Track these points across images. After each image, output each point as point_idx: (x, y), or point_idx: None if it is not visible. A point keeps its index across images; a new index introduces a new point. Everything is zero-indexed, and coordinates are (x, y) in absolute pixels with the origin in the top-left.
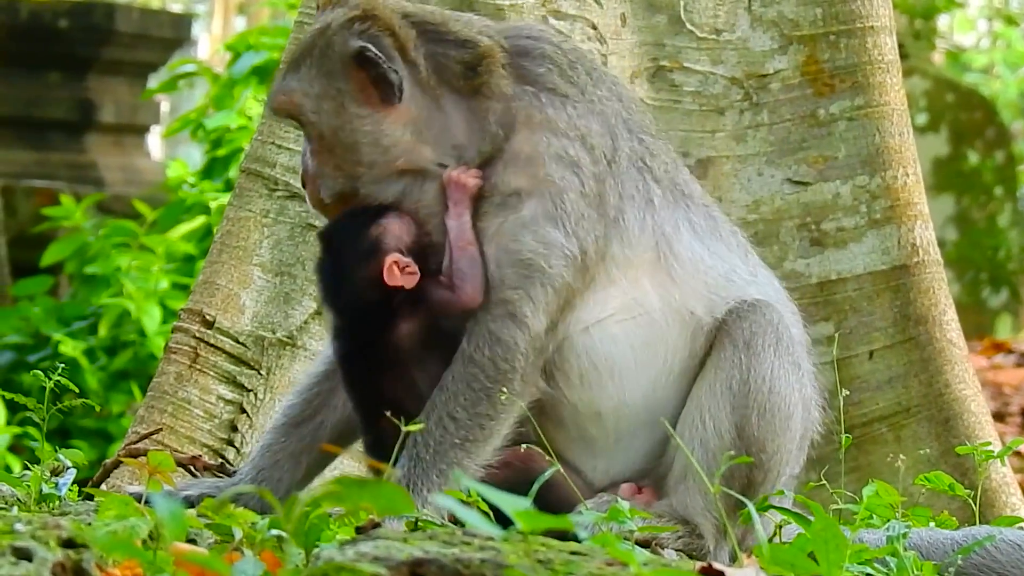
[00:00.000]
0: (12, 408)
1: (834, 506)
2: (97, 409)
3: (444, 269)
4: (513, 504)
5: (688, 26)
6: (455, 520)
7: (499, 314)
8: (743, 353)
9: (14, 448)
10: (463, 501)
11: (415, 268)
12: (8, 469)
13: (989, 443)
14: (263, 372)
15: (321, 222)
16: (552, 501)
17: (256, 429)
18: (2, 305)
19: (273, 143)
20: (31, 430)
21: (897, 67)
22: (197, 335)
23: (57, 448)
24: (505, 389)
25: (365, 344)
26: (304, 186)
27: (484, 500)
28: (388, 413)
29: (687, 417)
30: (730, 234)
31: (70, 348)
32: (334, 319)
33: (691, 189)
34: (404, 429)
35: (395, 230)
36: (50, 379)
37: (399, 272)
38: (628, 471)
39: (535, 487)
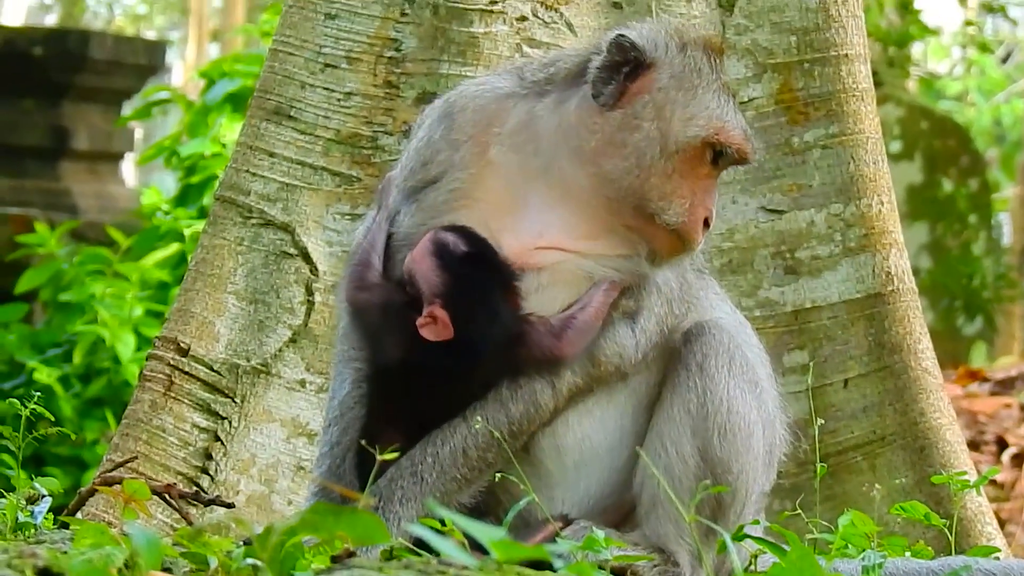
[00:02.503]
0: None
1: (809, 535)
2: (72, 437)
3: (557, 318)
4: (488, 534)
5: None
6: (430, 549)
7: (550, 381)
8: (697, 376)
9: None
10: (438, 530)
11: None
12: None
13: (965, 472)
14: (237, 400)
15: (294, 249)
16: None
17: (230, 457)
18: None
19: (248, 171)
20: (5, 457)
21: (871, 95)
22: (172, 363)
23: (32, 476)
24: (515, 444)
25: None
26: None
27: (460, 529)
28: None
29: (649, 445)
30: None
31: (44, 375)
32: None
33: None
34: (380, 457)
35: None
36: (25, 407)
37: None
38: (587, 501)
39: (509, 516)
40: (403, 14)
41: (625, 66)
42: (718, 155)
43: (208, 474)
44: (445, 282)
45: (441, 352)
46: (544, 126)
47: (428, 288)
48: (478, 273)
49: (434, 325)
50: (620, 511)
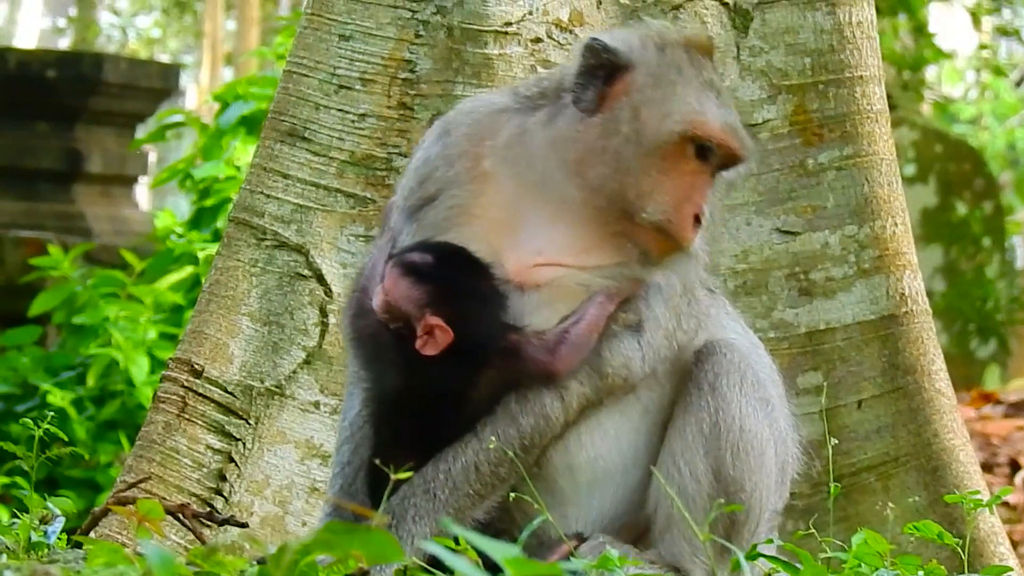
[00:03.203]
0: (0, 458)
1: (823, 555)
2: (86, 458)
3: (552, 332)
4: (503, 551)
5: None
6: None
7: (558, 394)
8: (709, 396)
9: (1, 498)
10: (452, 548)
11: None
12: None
13: (978, 492)
14: (251, 422)
15: (308, 270)
16: None
17: (244, 478)
18: None
19: (262, 192)
20: (19, 479)
21: (886, 117)
22: (185, 384)
23: (46, 497)
24: (527, 459)
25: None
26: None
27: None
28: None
29: (662, 465)
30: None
31: (58, 398)
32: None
33: None
34: (394, 476)
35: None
36: (39, 428)
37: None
38: (601, 520)
39: (523, 534)
40: (417, 35)
41: (600, 70)
42: (703, 151)
43: (222, 495)
44: (427, 291)
45: (442, 369)
46: (535, 140)
47: (413, 305)
48: (455, 272)
49: (432, 337)
50: (635, 530)
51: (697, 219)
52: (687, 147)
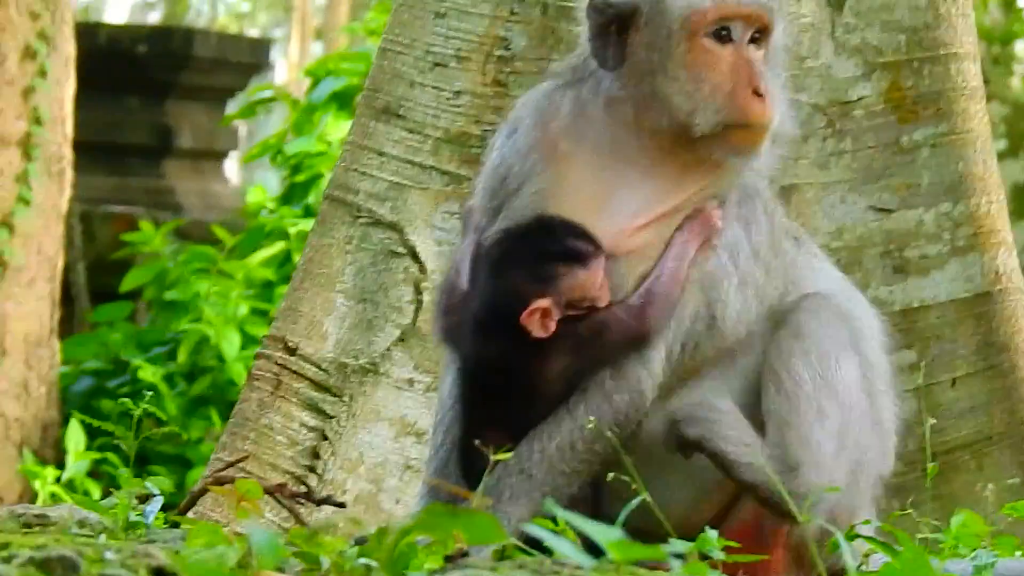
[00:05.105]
0: (91, 434)
1: (920, 535)
2: (183, 436)
3: (635, 296)
4: (605, 533)
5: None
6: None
7: (649, 363)
8: (804, 353)
9: (92, 473)
10: (552, 529)
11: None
12: (87, 495)
13: None
14: (345, 399)
15: (402, 248)
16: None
17: (338, 456)
18: (81, 331)
19: (356, 170)
20: (110, 455)
21: (981, 94)
22: (280, 362)
23: (143, 475)
24: (623, 433)
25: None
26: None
27: (575, 529)
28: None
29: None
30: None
31: (149, 374)
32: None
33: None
34: (494, 457)
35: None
36: (137, 406)
37: (539, 320)
38: (699, 484)
39: (622, 515)
40: (512, 13)
41: (610, 26)
42: (720, 35)
43: (316, 473)
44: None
45: (532, 353)
46: (594, 110)
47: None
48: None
49: (545, 318)
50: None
51: (757, 93)
52: (704, 41)
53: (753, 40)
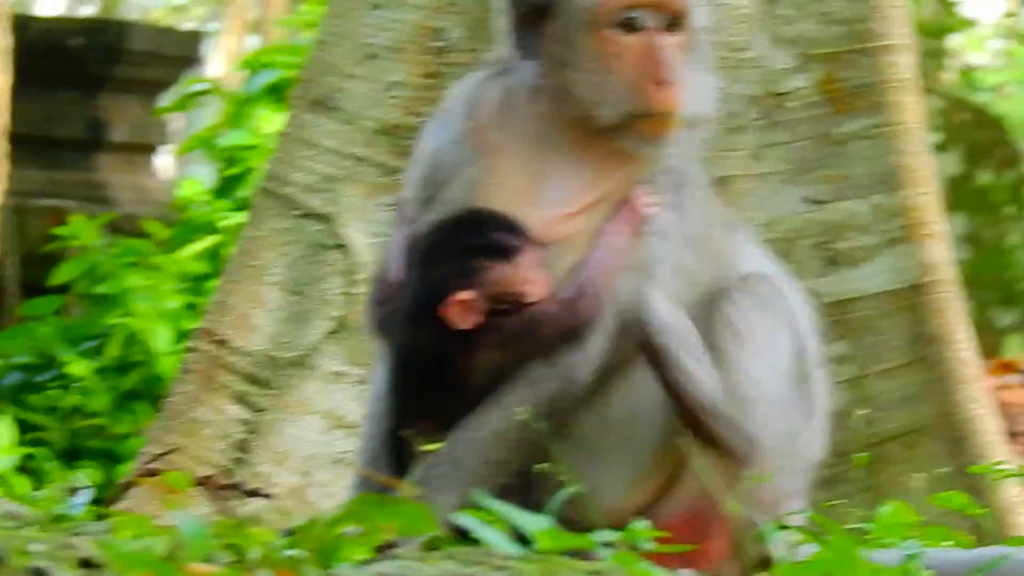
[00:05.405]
0: (22, 430)
1: (849, 525)
2: (113, 430)
3: (566, 288)
4: (533, 523)
5: None
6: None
7: (582, 351)
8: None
9: (21, 468)
10: (483, 519)
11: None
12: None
13: (1003, 462)
14: (275, 392)
15: (334, 240)
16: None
17: (268, 449)
18: (11, 325)
19: (290, 162)
20: (39, 451)
21: (915, 86)
22: (210, 355)
23: (73, 468)
24: (555, 421)
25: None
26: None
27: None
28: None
29: None
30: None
31: (79, 368)
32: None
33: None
34: (423, 449)
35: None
36: (64, 399)
37: (460, 312)
38: (634, 474)
39: (554, 505)
40: (450, 3)
41: (527, 16)
42: (628, 25)
43: (245, 466)
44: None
45: (460, 345)
46: (519, 99)
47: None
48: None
49: (466, 311)
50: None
51: (663, 81)
52: (609, 32)
53: (670, 27)
